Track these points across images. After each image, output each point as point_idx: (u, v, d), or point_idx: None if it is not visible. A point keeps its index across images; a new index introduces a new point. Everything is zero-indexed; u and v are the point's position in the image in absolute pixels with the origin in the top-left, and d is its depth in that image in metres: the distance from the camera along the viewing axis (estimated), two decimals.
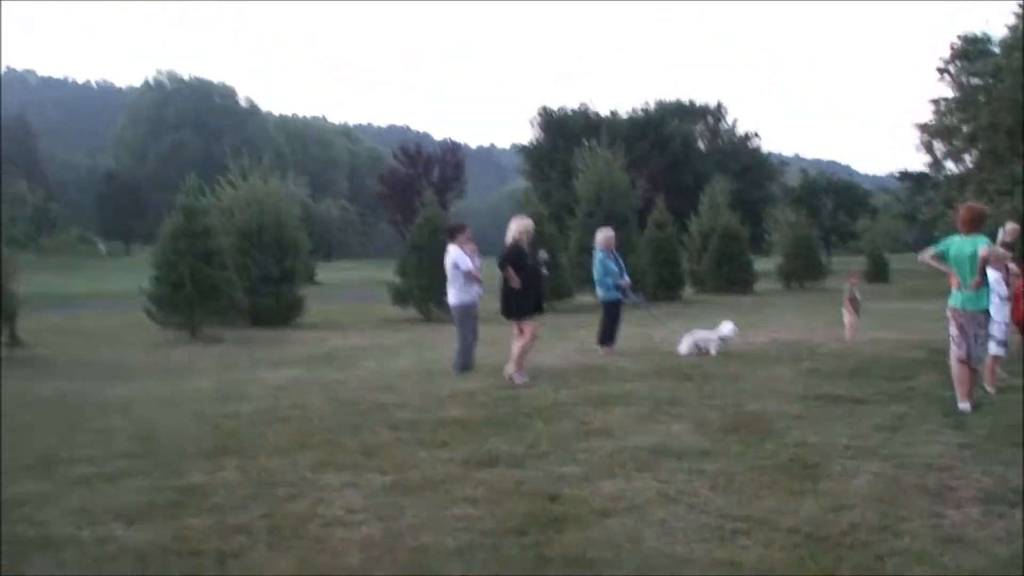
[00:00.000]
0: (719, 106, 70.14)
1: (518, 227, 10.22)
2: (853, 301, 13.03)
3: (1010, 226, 14.41)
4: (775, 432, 6.81)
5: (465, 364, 10.53)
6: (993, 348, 8.25)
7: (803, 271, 32.66)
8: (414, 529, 4.72)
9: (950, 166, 38.91)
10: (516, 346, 9.87)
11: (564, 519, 4.82)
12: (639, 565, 4.17)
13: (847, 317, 13.16)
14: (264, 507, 5.14)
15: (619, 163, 25.74)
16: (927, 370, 9.89)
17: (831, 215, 61.62)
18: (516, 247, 10.11)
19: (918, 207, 46.68)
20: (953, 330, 7.87)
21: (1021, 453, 5.99)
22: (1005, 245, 14.07)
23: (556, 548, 4.39)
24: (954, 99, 32.94)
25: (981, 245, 7.66)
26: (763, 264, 33.83)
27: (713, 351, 11.34)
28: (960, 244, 7.78)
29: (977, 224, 7.83)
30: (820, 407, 7.83)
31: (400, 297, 21.19)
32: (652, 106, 66.93)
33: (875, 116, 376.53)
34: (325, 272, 46.54)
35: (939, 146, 37.42)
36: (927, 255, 8.19)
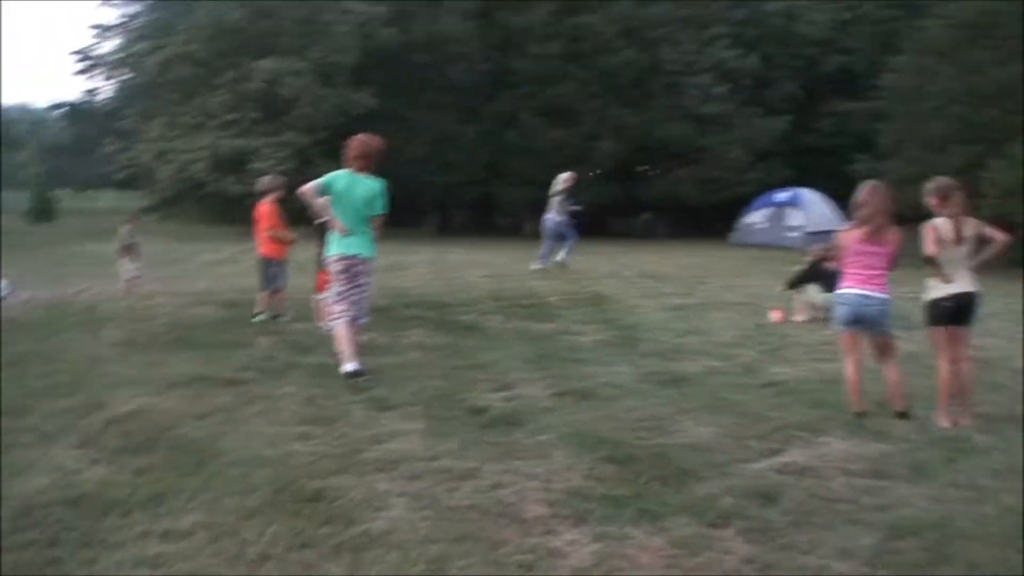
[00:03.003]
0: None
1: None
2: (130, 248, 11.63)
3: (565, 175, 16.32)
4: (215, 453, 5.22)
5: None
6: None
7: None
8: None
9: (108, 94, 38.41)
10: None
11: None
12: None
13: (126, 267, 12.01)
14: None
15: None
16: (249, 331, 9.48)
17: None
18: None
19: (80, 139, 44.92)
20: (339, 285, 7.40)
21: (481, 433, 5.74)
22: (562, 192, 15.88)
23: None
24: (139, 27, 32.37)
25: (377, 186, 7.38)
26: None
27: None
28: (351, 182, 7.33)
29: (372, 160, 7.45)
30: (202, 394, 6.57)
31: None
32: None
33: None
34: None
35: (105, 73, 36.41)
36: (310, 191, 7.42)
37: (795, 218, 27.03)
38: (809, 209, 27.17)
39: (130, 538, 3.96)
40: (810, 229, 26.09)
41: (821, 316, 10.88)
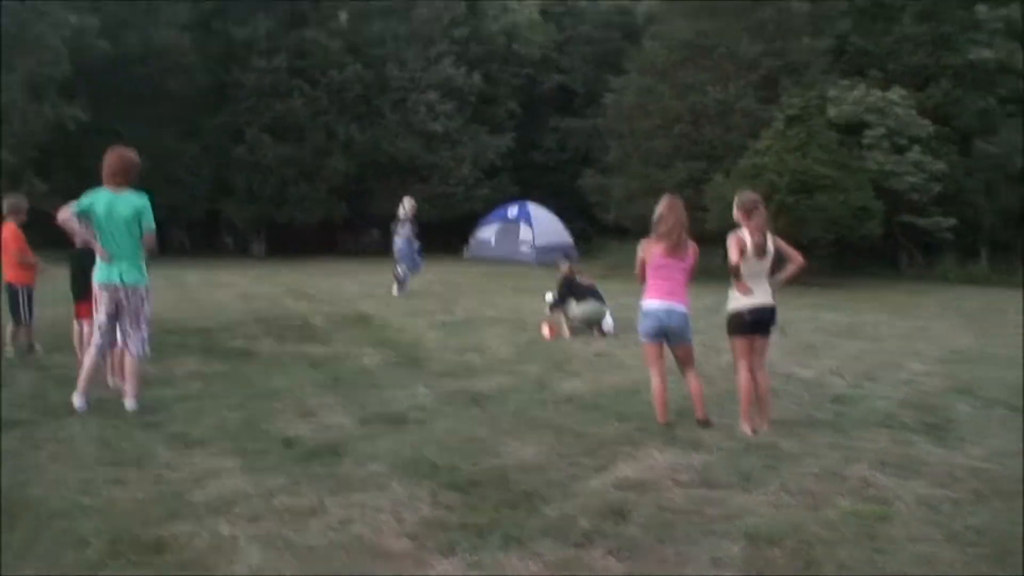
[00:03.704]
0: None
1: None
2: None
3: (409, 203, 16.73)
4: (28, 504, 4.68)
5: None
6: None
7: None
8: None
9: None
10: None
11: None
12: None
13: None
14: None
15: None
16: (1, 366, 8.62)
17: None
18: None
19: None
20: (101, 316, 6.92)
21: (304, 466, 5.53)
22: (409, 217, 16.29)
23: None
24: None
25: (140, 202, 6.91)
26: None
27: None
28: (111, 201, 6.82)
29: (129, 175, 6.97)
30: None
31: None
32: None
33: None
34: None
35: None
36: (68, 214, 6.84)
37: (525, 232, 28.03)
38: (538, 223, 28.29)
39: None
40: (540, 243, 27.24)
41: (582, 327, 11.39)
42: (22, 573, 3.79)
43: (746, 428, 6.49)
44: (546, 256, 26.60)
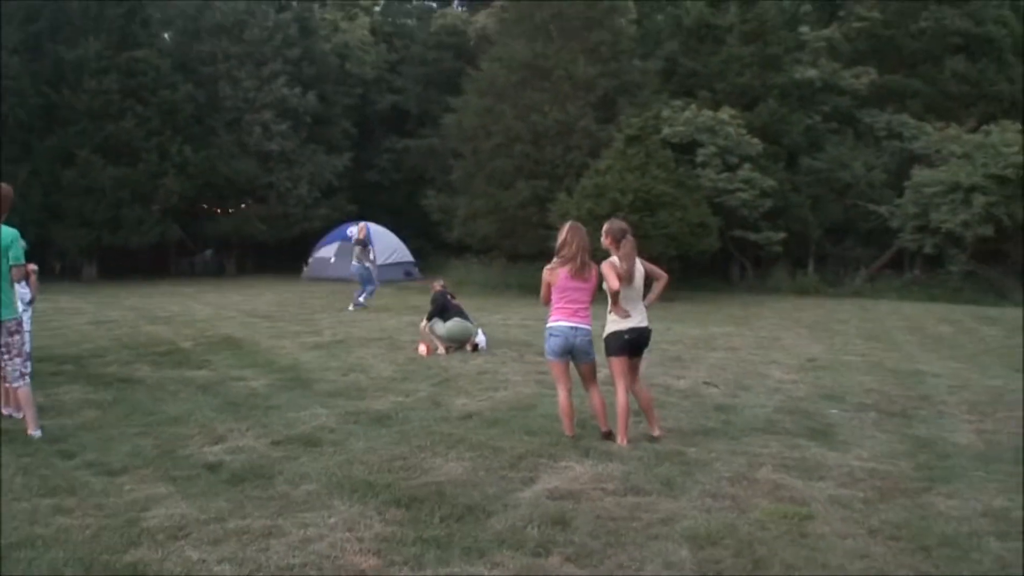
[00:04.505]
0: None
1: None
2: None
3: (356, 226, 17.43)
4: None
5: None
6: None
7: None
8: None
9: None
10: None
11: None
12: None
13: None
14: None
15: None
16: None
17: None
18: None
19: None
20: None
21: (239, 489, 5.60)
22: (359, 241, 17.59)
23: None
24: None
25: (8, 235, 6.76)
26: None
27: None
28: None
29: (3, 208, 6.80)
30: None
31: None
32: None
33: None
34: None
35: None
36: None
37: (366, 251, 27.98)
38: (378, 242, 28.30)
39: None
40: (381, 261, 27.31)
41: (454, 346, 11.67)
42: None
43: (623, 441, 6.79)
44: (388, 274, 26.71)
